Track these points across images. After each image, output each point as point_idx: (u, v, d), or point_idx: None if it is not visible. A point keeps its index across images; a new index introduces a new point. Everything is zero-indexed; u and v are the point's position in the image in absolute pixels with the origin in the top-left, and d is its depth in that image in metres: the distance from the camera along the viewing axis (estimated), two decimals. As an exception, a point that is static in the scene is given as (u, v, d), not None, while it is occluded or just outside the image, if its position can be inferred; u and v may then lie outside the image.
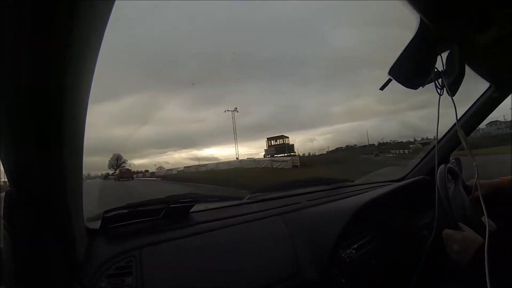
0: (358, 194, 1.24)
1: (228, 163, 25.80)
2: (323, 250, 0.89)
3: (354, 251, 0.94)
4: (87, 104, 0.48)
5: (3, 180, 0.51)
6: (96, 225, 0.73)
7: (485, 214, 0.79)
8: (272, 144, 29.68)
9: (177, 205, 0.84)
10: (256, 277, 0.78)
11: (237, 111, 33.44)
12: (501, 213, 1.01)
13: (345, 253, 0.93)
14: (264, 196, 1.18)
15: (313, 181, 1.50)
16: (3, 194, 0.50)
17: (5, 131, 0.42)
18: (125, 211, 0.76)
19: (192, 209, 0.90)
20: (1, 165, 0.47)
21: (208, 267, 0.73)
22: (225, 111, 33.45)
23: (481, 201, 0.80)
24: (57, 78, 0.38)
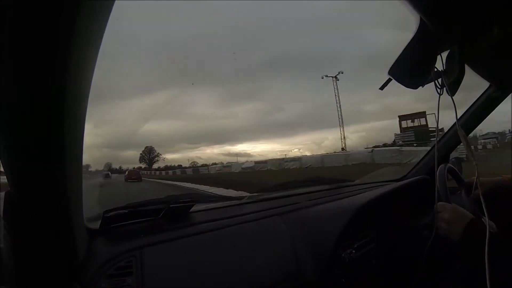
0: (358, 194, 1.24)
1: (344, 156, 16.14)
2: (323, 250, 0.89)
3: (354, 251, 0.94)
4: (87, 104, 0.48)
5: (3, 180, 0.51)
6: (96, 225, 0.73)
7: (485, 215, 0.79)
8: (408, 126, 19.50)
9: (177, 205, 0.84)
10: (256, 277, 0.78)
11: (338, 79, 25.98)
12: (501, 211, 1.01)
13: (345, 253, 0.93)
14: (264, 196, 1.18)
15: (313, 180, 1.50)
16: (2, 194, 0.51)
17: (5, 131, 0.42)
18: (125, 211, 0.76)
19: (192, 209, 0.90)
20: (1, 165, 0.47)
21: (208, 267, 0.73)
22: (323, 77, 26.58)
23: (482, 201, 0.80)
24: (57, 77, 0.38)
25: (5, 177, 0.48)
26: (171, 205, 0.82)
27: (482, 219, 0.84)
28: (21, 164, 0.46)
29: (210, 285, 0.71)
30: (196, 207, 0.91)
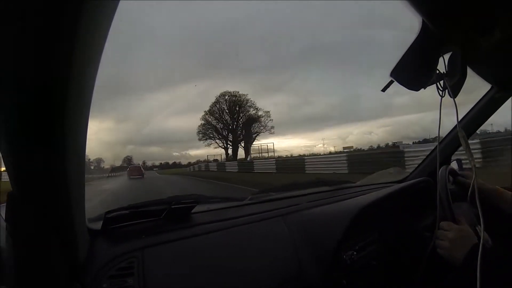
0: (360, 196, 1.24)
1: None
2: (325, 252, 0.89)
3: (355, 253, 0.94)
4: (89, 104, 0.48)
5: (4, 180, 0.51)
6: (98, 225, 0.73)
7: (481, 224, 0.77)
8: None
9: (178, 206, 0.84)
10: (258, 278, 0.78)
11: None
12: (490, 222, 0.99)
13: (346, 255, 0.92)
14: (265, 197, 1.18)
15: (314, 182, 1.50)
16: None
17: (7, 132, 0.43)
18: (127, 211, 0.76)
19: (194, 210, 0.90)
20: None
21: (210, 269, 0.73)
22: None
23: (478, 207, 0.78)
24: (60, 78, 0.38)
25: (7, 177, 0.49)
26: (172, 206, 0.82)
27: (477, 228, 0.82)
28: (23, 165, 0.46)
29: (211, 286, 0.71)
30: (198, 208, 0.91)
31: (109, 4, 0.39)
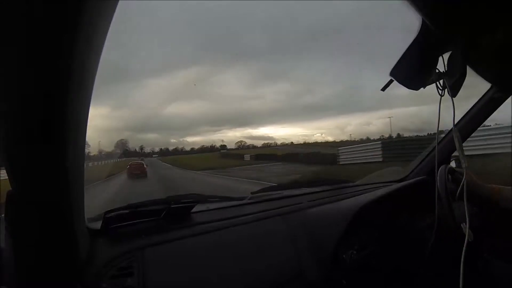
0: (359, 195, 1.24)
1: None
2: (324, 251, 0.89)
3: (355, 252, 0.94)
4: (89, 103, 0.48)
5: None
6: (97, 225, 0.73)
7: (467, 222, 0.79)
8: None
9: (178, 206, 0.84)
10: (258, 278, 0.78)
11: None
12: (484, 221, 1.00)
13: (346, 254, 0.93)
14: (265, 197, 1.18)
15: (314, 181, 1.51)
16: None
17: (7, 131, 0.42)
18: (126, 211, 0.76)
19: (193, 210, 0.90)
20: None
21: (209, 268, 0.73)
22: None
23: (465, 208, 0.80)
24: (59, 77, 0.38)
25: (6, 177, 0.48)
26: (172, 206, 0.82)
27: (462, 225, 0.83)
28: (23, 165, 0.46)
29: (211, 286, 0.71)
30: (197, 208, 0.91)
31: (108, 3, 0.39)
